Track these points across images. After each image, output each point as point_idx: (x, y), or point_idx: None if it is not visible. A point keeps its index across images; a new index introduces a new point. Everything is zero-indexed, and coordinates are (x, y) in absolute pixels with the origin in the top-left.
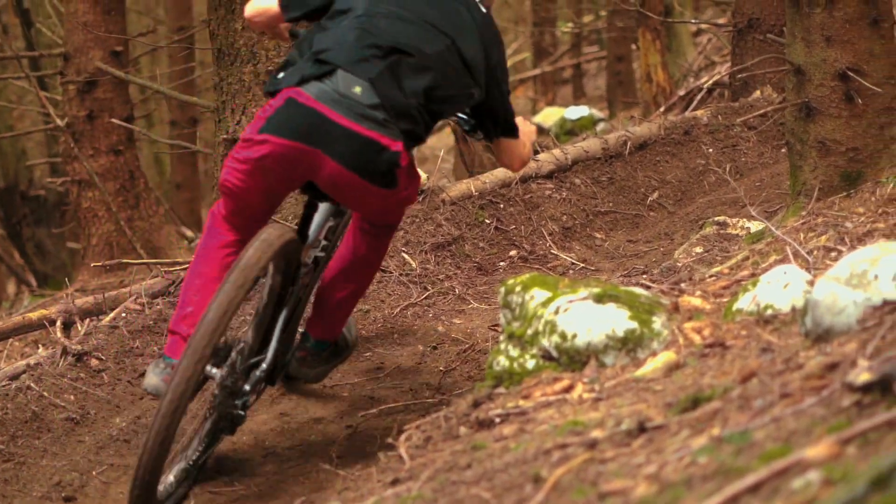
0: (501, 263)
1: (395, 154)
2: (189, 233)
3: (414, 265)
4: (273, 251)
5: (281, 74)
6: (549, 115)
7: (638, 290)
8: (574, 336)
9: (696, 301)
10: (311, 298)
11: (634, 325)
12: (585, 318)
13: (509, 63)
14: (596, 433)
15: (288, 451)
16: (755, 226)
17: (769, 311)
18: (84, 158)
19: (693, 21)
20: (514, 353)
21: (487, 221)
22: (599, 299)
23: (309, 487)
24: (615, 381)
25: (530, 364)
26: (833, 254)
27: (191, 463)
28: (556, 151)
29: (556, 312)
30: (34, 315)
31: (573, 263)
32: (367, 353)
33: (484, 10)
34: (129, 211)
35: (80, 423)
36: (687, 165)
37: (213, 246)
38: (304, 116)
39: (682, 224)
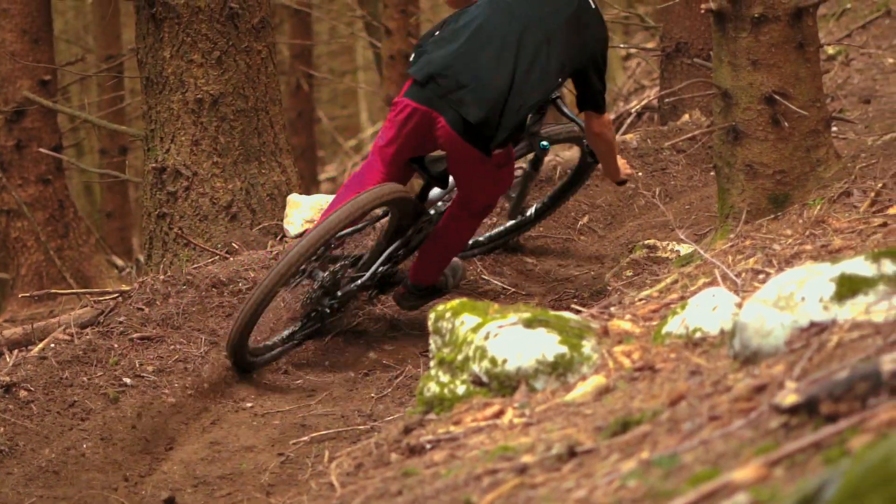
0: None
1: None
2: (119, 262)
3: None
4: (386, 197)
5: None
6: None
7: (568, 315)
8: (504, 361)
9: (625, 325)
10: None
11: (564, 349)
12: (515, 343)
13: None
14: (526, 458)
15: (219, 480)
16: (684, 249)
17: (698, 334)
18: (12, 188)
19: (622, 45)
20: (445, 378)
21: None
22: (529, 324)
23: None
24: (545, 405)
25: (461, 390)
26: (761, 276)
27: (284, 336)
28: None
29: (486, 338)
30: None
31: (504, 288)
32: (299, 381)
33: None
34: (59, 240)
35: (9, 454)
36: (616, 189)
37: None
38: None
39: (612, 248)
